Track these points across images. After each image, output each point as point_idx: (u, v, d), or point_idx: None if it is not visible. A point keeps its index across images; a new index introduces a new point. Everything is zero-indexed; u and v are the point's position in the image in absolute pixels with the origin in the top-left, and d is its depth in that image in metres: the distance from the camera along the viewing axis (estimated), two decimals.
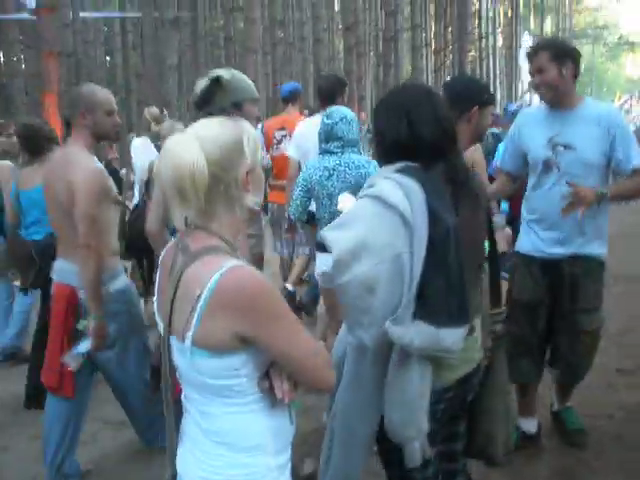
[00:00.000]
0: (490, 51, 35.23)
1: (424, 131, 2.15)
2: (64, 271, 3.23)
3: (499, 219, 3.37)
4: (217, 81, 3.15)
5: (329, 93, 5.28)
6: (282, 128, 6.05)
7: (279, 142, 6.07)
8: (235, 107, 3.07)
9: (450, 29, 27.71)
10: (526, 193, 3.74)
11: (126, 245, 4.48)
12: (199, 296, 1.55)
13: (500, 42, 40.46)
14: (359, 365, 2.19)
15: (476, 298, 2.38)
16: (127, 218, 5.25)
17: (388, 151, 2.22)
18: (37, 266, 4.39)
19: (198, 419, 1.70)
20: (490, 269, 2.58)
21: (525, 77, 33.89)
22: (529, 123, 3.65)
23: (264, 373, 1.65)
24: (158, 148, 6.05)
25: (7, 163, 5.26)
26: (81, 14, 17.00)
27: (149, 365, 2.98)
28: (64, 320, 3.18)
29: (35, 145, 4.60)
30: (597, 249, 3.56)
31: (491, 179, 4.27)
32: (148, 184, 5.34)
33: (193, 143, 1.60)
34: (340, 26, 24.65)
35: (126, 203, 5.49)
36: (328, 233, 2.01)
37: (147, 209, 3.67)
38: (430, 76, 28.86)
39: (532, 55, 3.46)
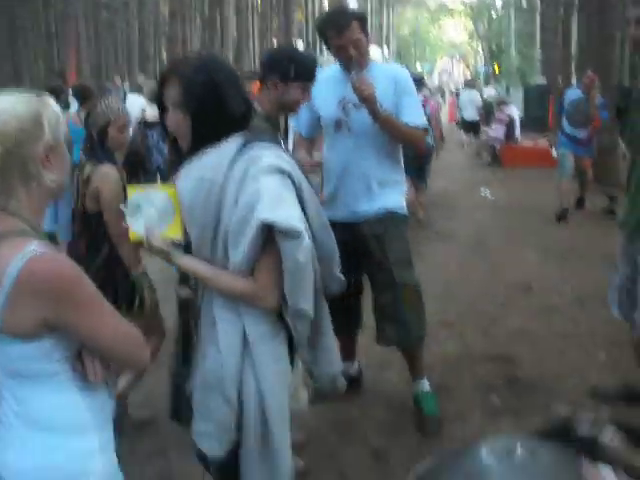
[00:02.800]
0: (317, 14, 35.93)
1: (247, 99, 2.22)
2: None
3: None
4: None
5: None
6: None
7: None
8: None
9: None
10: (324, 156, 3.72)
11: None
12: None
13: (326, 5, 41.43)
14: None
15: None
16: None
17: (226, 126, 2.13)
18: None
19: (13, 405, 1.61)
20: None
21: None
22: (321, 85, 3.42)
23: (77, 354, 1.61)
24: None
25: None
26: None
27: None
28: None
29: None
30: (392, 203, 3.57)
31: None
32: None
33: None
34: None
35: None
36: (275, 215, 2.01)
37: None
38: (256, 40, 29.23)
39: (343, 27, 3.35)
